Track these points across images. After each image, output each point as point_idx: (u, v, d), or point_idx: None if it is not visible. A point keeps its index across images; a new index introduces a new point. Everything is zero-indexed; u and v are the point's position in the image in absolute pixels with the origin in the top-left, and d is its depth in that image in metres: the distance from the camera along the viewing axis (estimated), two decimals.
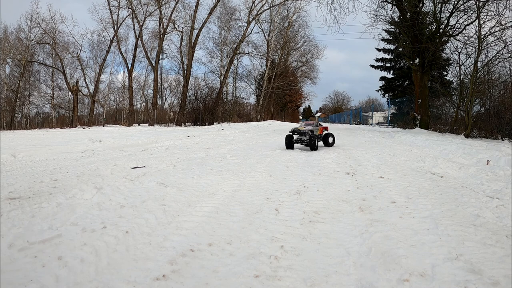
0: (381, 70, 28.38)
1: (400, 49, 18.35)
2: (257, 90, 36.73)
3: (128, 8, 27.54)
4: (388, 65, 28.04)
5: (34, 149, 7.47)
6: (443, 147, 7.34)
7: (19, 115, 30.54)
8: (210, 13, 27.20)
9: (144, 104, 40.98)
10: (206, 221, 2.83)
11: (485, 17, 10.30)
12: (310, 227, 2.73)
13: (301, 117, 66.84)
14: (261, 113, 33.52)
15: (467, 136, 9.90)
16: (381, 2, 14.52)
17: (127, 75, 29.57)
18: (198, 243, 2.38)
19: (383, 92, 28.98)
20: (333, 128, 22.28)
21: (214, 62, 34.60)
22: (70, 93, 30.12)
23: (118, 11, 27.82)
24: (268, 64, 33.26)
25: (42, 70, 30.43)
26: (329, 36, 71.20)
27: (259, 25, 31.61)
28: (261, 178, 4.63)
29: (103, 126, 26.09)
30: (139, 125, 29.77)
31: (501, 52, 9.98)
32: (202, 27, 27.60)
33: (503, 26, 9.87)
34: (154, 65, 28.95)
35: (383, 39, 22.02)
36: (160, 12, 27.31)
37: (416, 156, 6.66)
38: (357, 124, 32.46)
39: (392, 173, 5.00)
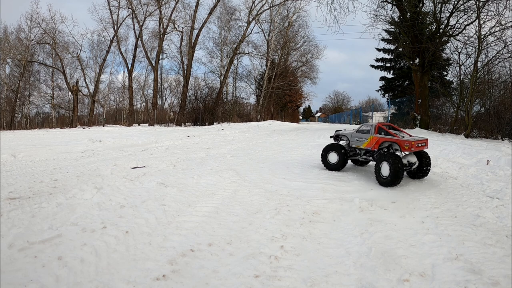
0: (381, 70, 28.39)
1: (400, 49, 18.36)
2: (257, 90, 36.75)
3: (128, 8, 27.56)
4: (388, 65, 28.04)
5: (34, 149, 7.46)
6: (443, 147, 7.33)
7: (19, 115, 30.55)
8: (210, 13, 27.22)
9: (144, 104, 41.04)
10: (206, 221, 2.83)
11: (485, 17, 10.30)
12: (310, 227, 2.73)
13: (301, 117, 66.80)
14: (261, 113, 33.52)
15: (467, 136, 9.90)
16: (381, 2, 14.53)
17: (127, 75, 29.60)
18: (198, 243, 2.38)
19: (383, 92, 28.98)
20: (333, 128, 22.27)
21: (214, 62, 34.64)
22: (70, 93, 30.13)
23: (118, 11, 27.86)
24: (268, 64, 33.27)
25: (42, 70, 30.50)
26: (329, 36, 71.16)
27: (259, 25, 31.63)
28: (261, 178, 4.62)
29: (103, 126, 26.09)
30: (139, 125, 29.77)
31: (501, 52, 9.99)
32: (202, 27, 27.63)
33: (503, 26, 9.86)
34: (154, 65, 28.97)
35: (383, 39, 22.03)
36: (160, 12, 27.33)
37: None
38: (357, 124, 32.49)
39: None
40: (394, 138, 4.45)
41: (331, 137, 5.61)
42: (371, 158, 4.91)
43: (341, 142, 5.36)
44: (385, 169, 4.10)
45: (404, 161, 4.37)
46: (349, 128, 5.83)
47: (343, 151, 5.05)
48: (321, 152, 5.29)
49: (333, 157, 5.10)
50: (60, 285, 1.83)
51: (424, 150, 4.56)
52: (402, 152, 4.52)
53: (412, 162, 4.47)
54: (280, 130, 18.41)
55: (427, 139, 4.54)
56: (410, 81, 23.13)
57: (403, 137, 4.52)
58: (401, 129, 5.05)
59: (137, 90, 37.95)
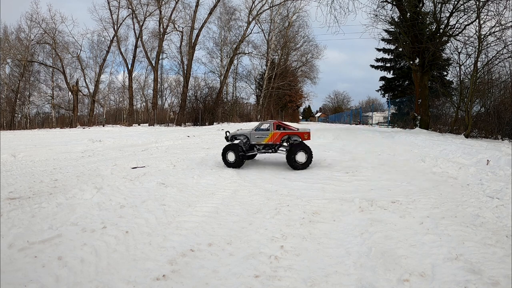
0: (381, 70, 28.40)
1: (400, 49, 18.37)
2: (257, 90, 36.77)
3: (128, 8, 27.57)
4: (388, 65, 28.06)
5: (34, 149, 7.47)
6: (443, 147, 7.33)
7: (19, 115, 30.56)
8: (210, 13, 27.23)
9: (144, 104, 41.08)
10: (206, 221, 2.83)
11: (485, 17, 10.29)
12: (310, 227, 2.72)
13: (301, 117, 66.79)
14: (261, 113, 33.54)
15: (467, 136, 9.89)
16: (381, 2, 14.52)
17: (127, 75, 29.62)
18: (198, 243, 2.38)
19: (383, 92, 29.00)
20: (333, 128, 22.25)
21: (214, 62, 34.67)
22: (70, 93, 30.16)
23: (118, 11, 27.90)
24: (268, 64, 33.29)
25: (42, 70, 30.52)
26: (329, 36, 71.32)
27: (259, 25, 31.65)
28: (261, 178, 4.62)
29: (103, 126, 26.10)
30: (139, 125, 29.79)
31: (501, 52, 9.97)
32: (202, 27, 27.65)
33: (503, 26, 9.85)
34: (154, 65, 28.97)
35: (383, 39, 22.04)
36: (160, 12, 27.33)
37: (416, 156, 6.66)
38: (357, 124, 32.49)
39: (393, 173, 4.99)
40: (294, 131, 5.41)
41: (226, 138, 5.93)
42: (270, 150, 5.64)
43: (236, 142, 5.73)
44: (302, 157, 5.14)
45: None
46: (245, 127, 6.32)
47: (240, 150, 5.41)
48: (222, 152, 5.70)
49: (231, 156, 5.44)
50: (60, 285, 1.83)
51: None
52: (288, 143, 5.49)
53: None
54: None
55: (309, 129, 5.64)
56: (410, 81, 23.13)
57: (297, 129, 5.45)
58: (287, 123, 5.86)
59: (137, 90, 38.00)
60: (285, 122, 5.85)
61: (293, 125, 6.21)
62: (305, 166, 5.18)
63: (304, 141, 5.41)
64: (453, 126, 11.86)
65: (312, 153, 5.28)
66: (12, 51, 26.34)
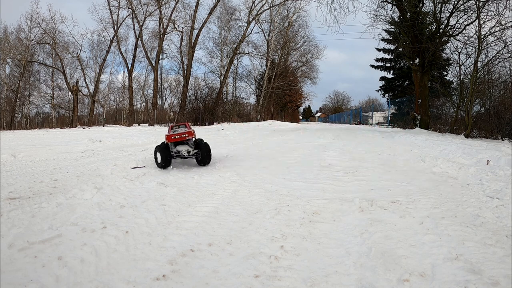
0: (381, 70, 28.44)
1: (400, 49, 18.36)
2: (257, 90, 36.76)
3: (128, 8, 27.56)
4: (388, 65, 28.09)
5: (34, 149, 7.47)
6: (443, 147, 7.33)
7: (19, 115, 30.55)
8: (210, 13, 27.23)
9: (144, 104, 41.08)
10: (206, 221, 2.83)
11: (485, 17, 10.29)
12: (310, 227, 2.72)
13: (301, 117, 66.81)
14: (261, 113, 33.54)
15: (467, 136, 9.89)
16: (381, 2, 14.54)
17: (127, 75, 29.61)
18: (198, 243, 2.38)
19: (383, 92, 29.03)
20: (333, 128, 22.28)
21: (214, 62, 34.63)
22: (70, 93, 30.16)
23: (118, 11, 27.88)
24: (268, 64, 33.27)
25: (42, 70, 30.49)
26: (329, 36, 71.26)
27: (259, 25, 31.64)
28: (261, 178, 4.62)
29: (103, 126, 26.11)
30: (139, 125, 29.79)
31: (501, 52, 9.97)
32: (202, 27, 27.64)
33: (503, 26, 9.85)
34: (154, 65, 28.96)
35: (383, 39, 22.07)
36: (160, 12, 27.32)
37: (416, 156, 6.66)
38: (357, 124, 32.53)
39: (393, 173, 5.00)
40: (167, 134, 5.55)
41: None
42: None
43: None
44: (159, 157, 5.25)
45: (174, 149, 5.50)
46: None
47: (162, 146, 5.88)
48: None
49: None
50: (60, 285, 1.83)
51: (203, 141, 5.77)
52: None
53: (179, 150, 5.47)
54: (280, 130, 18.43)
55: (189, 131, 5.53)
56: (410, 81, 23.16)
57: (173, 132, 5.63)
58: (189, 125, 5.98)
59: (137, 90, 38.02)
60: (189, 124, 6.23)
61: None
62: (162, 166, 5.26)
63: (168, 142, 5.45)
64: (453, 126, 11.86)
65: (166, 155, 5.21)
66: (12, 51, 26.34)
